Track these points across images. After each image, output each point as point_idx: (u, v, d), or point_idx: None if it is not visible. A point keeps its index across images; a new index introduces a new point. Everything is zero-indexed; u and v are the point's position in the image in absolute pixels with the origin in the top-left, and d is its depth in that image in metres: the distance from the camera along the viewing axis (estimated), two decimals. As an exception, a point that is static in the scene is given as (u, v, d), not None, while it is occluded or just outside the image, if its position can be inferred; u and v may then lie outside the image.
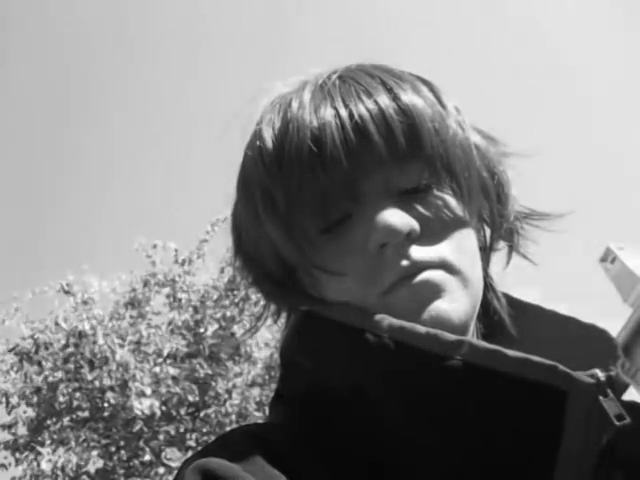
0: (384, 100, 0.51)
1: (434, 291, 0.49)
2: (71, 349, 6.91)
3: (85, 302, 7.44)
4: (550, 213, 0.62)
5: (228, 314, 7.33)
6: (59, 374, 6.82)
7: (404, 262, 0.49)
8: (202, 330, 7.35)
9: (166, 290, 7.75)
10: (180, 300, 7.65)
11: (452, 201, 0.53)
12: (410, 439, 0.46)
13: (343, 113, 0.51)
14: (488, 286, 0.60)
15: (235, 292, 7.48)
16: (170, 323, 7.53)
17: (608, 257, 12.46)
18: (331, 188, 0.51)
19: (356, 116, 0.50)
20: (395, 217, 0.49)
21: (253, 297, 7.05)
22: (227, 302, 7.46)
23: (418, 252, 0.50)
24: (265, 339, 7.22)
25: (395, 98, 0.52)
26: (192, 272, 7.85)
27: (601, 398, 0.43)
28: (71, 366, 6.81)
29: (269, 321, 0.64)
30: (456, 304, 0.49)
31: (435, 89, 0.56)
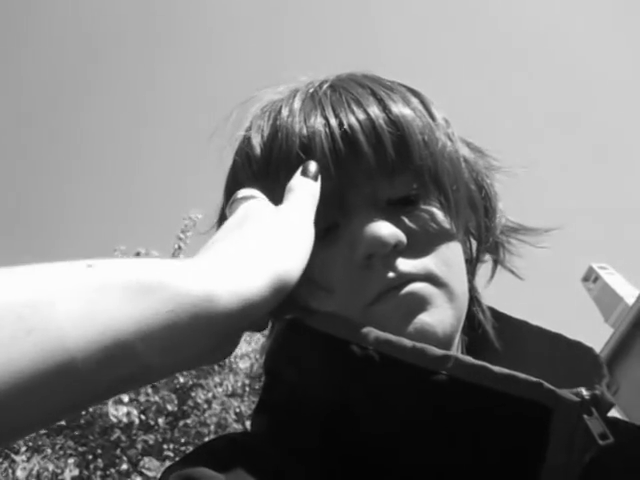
0: (374, 111, 0.51)
1: (419, 304, 0.49)
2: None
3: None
4: (537, 228, 0.62)
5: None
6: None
7: (390, 274, 0.49)
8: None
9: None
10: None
11: (439, 214, 0.53)
12: (392, 452, 0.46)
13: (333, 122, 0.51)
14: (473, 299, 0.60)
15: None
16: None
17: (590, 276, 12.55)
18: (319, 198, 0.51)
19: (346, 126, 0.50)
20: (383, 228, 0.49)
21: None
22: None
23: (404, 264, 0.50)
24: (245, 351, 7.18)
25: (385, 109, 0.52)
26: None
27: (585, 417, 0.43)
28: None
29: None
30: (441, 317, 0.49)
31: (425, 100, 0.56)
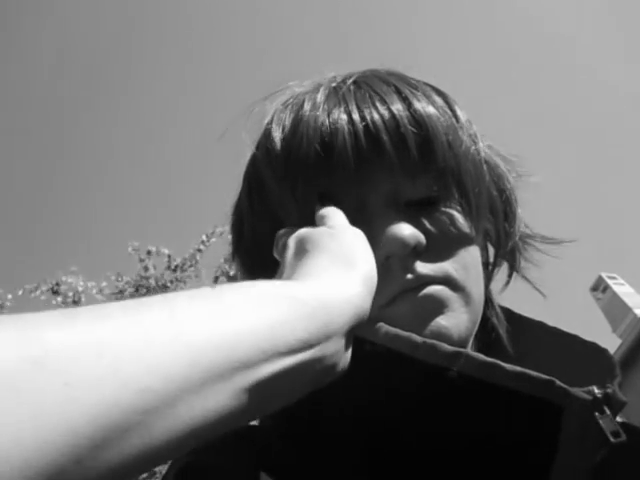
0: (398, 109, 0.51)
1: (436, 307, 0.49)
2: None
3: (75, 302, 7.41)
4: (553, 238, 0.62)
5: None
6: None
7: (408, 275, 0.49)
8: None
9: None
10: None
11: (459, 217, 0.53)
12: (399, 449, 0.46)
13: (356, 119, 0.50)
14: (488, 302, 0.59)
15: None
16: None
17: (599, 286, 12.47)
18: (337, 195, 0.51)
19: (369, 123, 0.50)
20: (403, 229, 0.48)
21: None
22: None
23: (423, 266, 0.49)
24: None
25: (410, 108, 0.51)
26: (184, 279, 7.83)
27: (597, 414, 0.43)
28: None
29: None
30: (457, 321, 0.49)
31: (449, 100, 0.55)
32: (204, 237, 7.89)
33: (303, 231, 0.47)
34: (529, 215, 0.61)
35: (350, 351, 0.41)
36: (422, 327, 0.48)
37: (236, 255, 0.60)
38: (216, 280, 7.71)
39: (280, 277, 0.44)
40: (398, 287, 0.49)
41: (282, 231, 0.51)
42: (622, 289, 11.87)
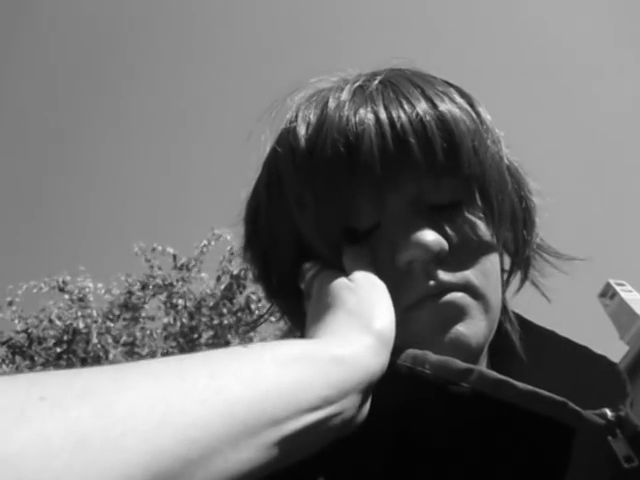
0: (426, 112, 0.50)
1: (456, 314, 0.49)
2: (64, 346, 6.93)
3: (81, 299, 7.46)
4: (564, 254, 0.61)
5: (225, 322, 7.36)
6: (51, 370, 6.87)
7: (430, 282, 0.49)
8: (196, 336, 7.36)
9: (162, 295, 7.79)
10: (176, 306, 7.68)
11: (481, 224, 0.52)
12: (411, 464, 0.45)
13: (384, 120, 0.49)
14: (502, 308, 0.58)
15: (233, 301, 7.52)
16: (165, 328, 7.56)
17: (607, 293, 12.44)
18: (360, 196, 0.50)
19: (397, 125, 0.49)
20: (427, 235, 0.48)
21: (252, 306, 7.15)
22: (224, 310, 7.49)
23: (444, 273, 0.49)
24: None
25: (436, 111, 0.50)
26: (189, 279, 7.89)
27: (610, 438, 0.42)
28: (63, 363, 6.82)
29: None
30: (476, 329, 0.49)
31: (474, 103, 0.54)
32: (205, 242, 8.01)
33: (325, 280, 0.49)
34: (541, 222, 0.61)
35: (368, 406, 0.42)
36: (442, 334, 0.48)
37: (248, 248, 0.59)
38: (218, 279, 7.76)
39: (304, 326, 0.47)
40: (420, 292, 0.49)
41: (307, 265, 0.52)
42: (630, 296, 11.84)
